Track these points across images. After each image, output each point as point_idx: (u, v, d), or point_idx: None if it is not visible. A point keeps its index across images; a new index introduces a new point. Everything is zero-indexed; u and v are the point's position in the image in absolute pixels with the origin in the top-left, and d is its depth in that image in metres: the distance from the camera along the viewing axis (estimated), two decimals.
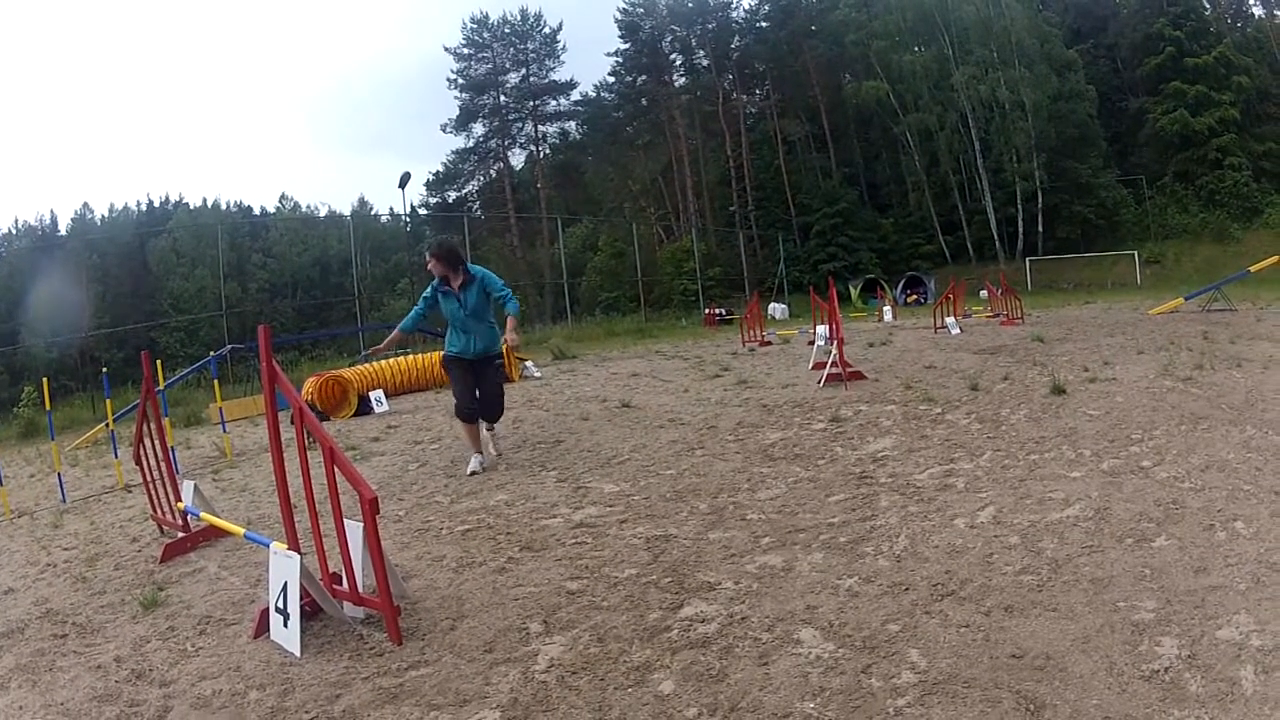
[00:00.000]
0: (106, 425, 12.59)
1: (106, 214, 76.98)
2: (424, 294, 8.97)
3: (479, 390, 8.93)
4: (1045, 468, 6.80)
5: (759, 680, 3.72)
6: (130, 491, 9.71)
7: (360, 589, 4.68)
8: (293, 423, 5.29)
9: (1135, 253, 50.18)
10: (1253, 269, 24.82)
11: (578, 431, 10.64)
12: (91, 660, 4.62)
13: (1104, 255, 51.40)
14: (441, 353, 9.53)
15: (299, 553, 4.57)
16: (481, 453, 8.96)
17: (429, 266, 8.79)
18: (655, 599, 4.76)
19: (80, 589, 6.01)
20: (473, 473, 8.60)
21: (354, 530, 4.64)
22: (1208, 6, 60.13)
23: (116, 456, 10.73)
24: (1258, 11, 64.02)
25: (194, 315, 57.18)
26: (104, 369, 12.44)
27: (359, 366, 17.91)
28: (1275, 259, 25.16)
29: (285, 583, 4.53)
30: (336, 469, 4.52)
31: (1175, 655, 3.56)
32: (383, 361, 18.66)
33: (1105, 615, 4.00)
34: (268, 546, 4.78)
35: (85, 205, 77.52)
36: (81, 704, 4.10)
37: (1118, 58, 61.28)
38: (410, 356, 19.76)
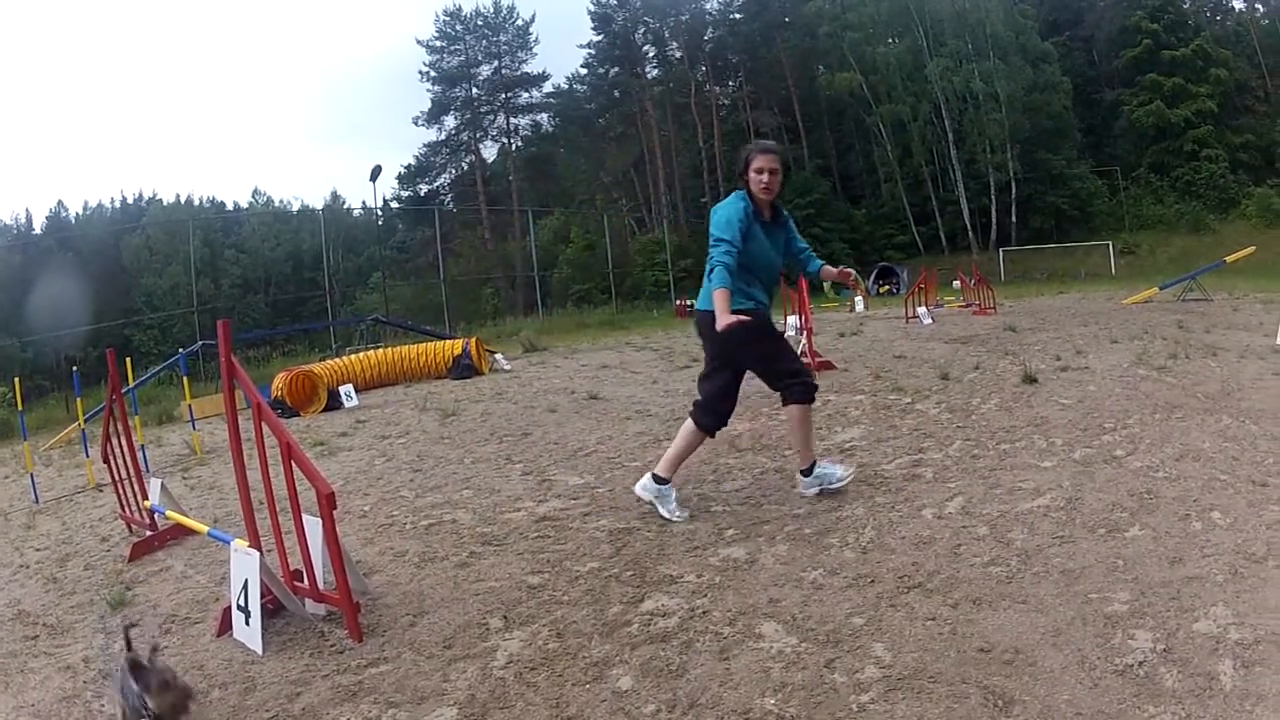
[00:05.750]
0: (78, 425, 12.45)
1: (81, 212, 76.79)
2: (734, 219, 5.80)
3: (786, 354, 6.20)
4: (1016, 457, 6.76)
5: (719, 675, 3.65)
6: (101, 491, 9.59)
7: (321, 585, 4.65)
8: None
9: (1110, 243, 50.80)
10: (1228, 260, 25.05)
11: (545, 424, 10.57)
12: (61, 661, 4.59)
13: (1078, 245, 51.93)
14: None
15: (259, 550, 4.52)
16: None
17: (757, 181, 5.89)
18: (616, 593, 4.70)
19: (51, 589, 5.98)
20: (690, 515, 6.00)
21: (313, 526, 4.58)
22: (1186, 0, 60.61)
23: (88, 456, 10.64)
24: (1238, 4, 64.78)
25: (167, 312, 56.88)
26: (74, 367, 12.27)
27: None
28: (1251, 250, 25.43)
29: (246, 580, 4.49)
30: (295, 465, 4.47)
31: (1150, 649, 3.49)
32: (353, 356, 18.62)
33: (1076, 607, 3.93)
34: (229, 544, 4.74)
35: (60, 203, 77.28)
36: (51, 705, 4.06)
37: (1094, 50, 61.97)
38: (381, 350, 19.62)
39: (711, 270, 5.74)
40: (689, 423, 6.12)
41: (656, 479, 6.13)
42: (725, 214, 5.83)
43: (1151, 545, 4.58)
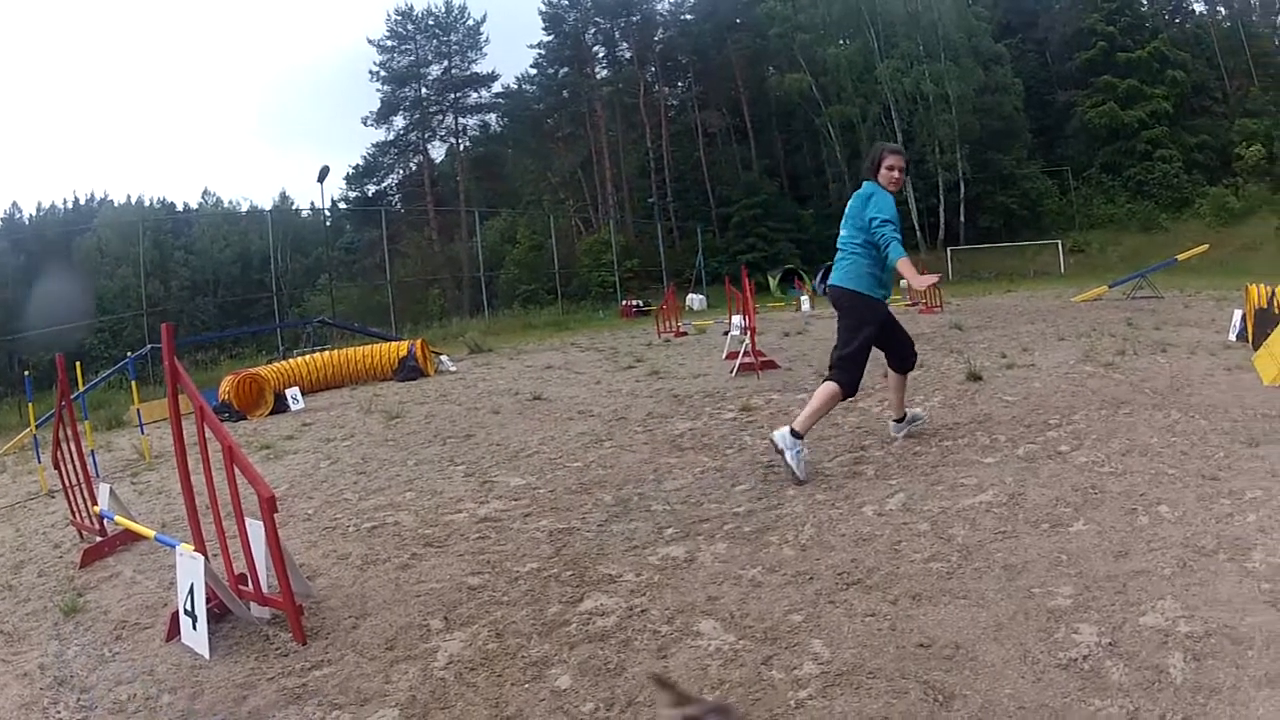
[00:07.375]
0: (30, 430, 12.24)
1: (35, 213, 76.09)
2: (891, 205, 6.77)
3: (864, 355, 6.90)
4: (958, 454, 6.77)
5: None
6: (53, 497, 9.49)
7: (265, 589, 4.67)
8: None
9: (1059, 242, 51.23)
10: (1180, 258, 25.38)
11: (488, 425, 10.59)
12: (19, 668, 4.58)
13: (1027, 244, 52.28)
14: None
15: (205, 555, 4.50)
16: None
17: (888, 175, 6.85)
18: (555, 593, 4.71)
19: (6, 597, 5.95)
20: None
21: (256, 530, 4.60)
22: (1144, 3, 61.34)
23: (40, 461, 10.55)
24: (1199, 7, 65.39)
25: (118, 315, 56.17)
26: (26, 372, 12.10)
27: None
28: (1204, 248, 25.74)
29: (191, 585, 4.48)
30: (236, 468, 4.49)
31: (1095, 643, 3.46)
32: (299, 359, 18.51)
33: (1019, 602, 3.91)
34: (175, 549, 4.71)
35: (15, 205, 76.45)
36: (10, 712, 4.08)
37: (1048, 52, 62.42)
38: (327, 353, 19.47)
39: (886, 245, 6.59)
40: (893, 375, 7.37)
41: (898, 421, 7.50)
42: (883, 201, 6.74)
43: (1096, 540, 4.54)
